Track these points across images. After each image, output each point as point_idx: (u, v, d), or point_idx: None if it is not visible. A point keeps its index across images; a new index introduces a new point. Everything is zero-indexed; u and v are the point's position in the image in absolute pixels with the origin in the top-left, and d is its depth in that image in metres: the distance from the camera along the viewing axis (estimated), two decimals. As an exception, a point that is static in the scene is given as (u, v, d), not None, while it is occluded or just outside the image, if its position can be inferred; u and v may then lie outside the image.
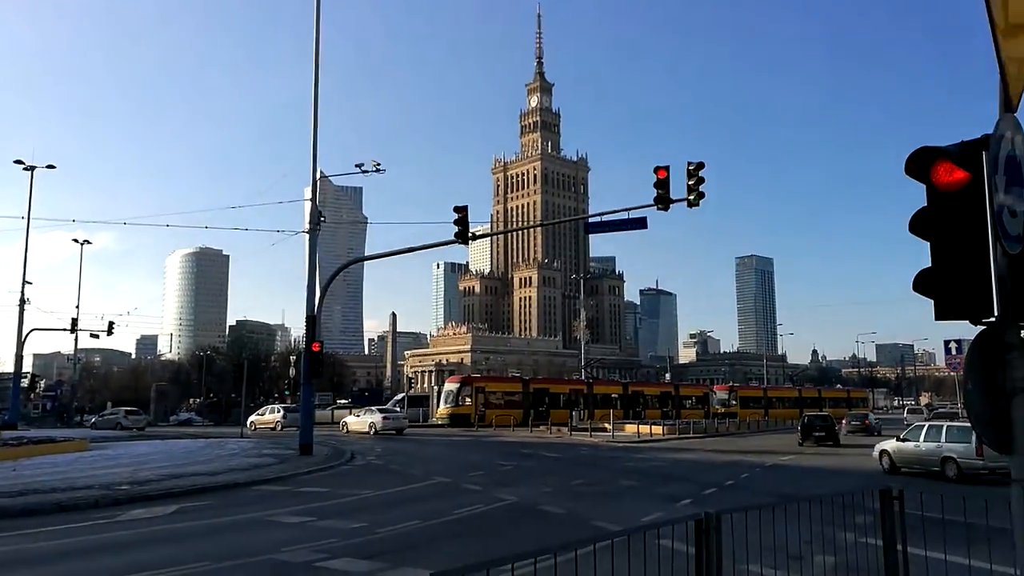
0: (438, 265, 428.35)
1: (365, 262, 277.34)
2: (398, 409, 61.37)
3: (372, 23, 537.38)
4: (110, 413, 71.84)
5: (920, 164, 4.95)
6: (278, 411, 61.05)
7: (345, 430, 53.82)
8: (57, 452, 33.20)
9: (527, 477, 23.64)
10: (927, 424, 26.67)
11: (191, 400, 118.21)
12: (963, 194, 4.79)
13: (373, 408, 59.00)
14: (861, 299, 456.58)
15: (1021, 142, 4.90)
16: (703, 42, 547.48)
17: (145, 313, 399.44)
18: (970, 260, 4.78)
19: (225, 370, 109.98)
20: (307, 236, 34.86)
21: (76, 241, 66.02)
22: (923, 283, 4.96)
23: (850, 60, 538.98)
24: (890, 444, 26.72)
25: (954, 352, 32.22)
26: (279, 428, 56.69)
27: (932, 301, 4.96)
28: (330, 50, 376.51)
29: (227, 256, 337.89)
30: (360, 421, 53.91)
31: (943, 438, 24.19)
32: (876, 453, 27.49)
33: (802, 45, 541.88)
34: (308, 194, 35.68)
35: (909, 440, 25.62)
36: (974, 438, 22.26)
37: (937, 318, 4.97)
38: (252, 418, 61.76)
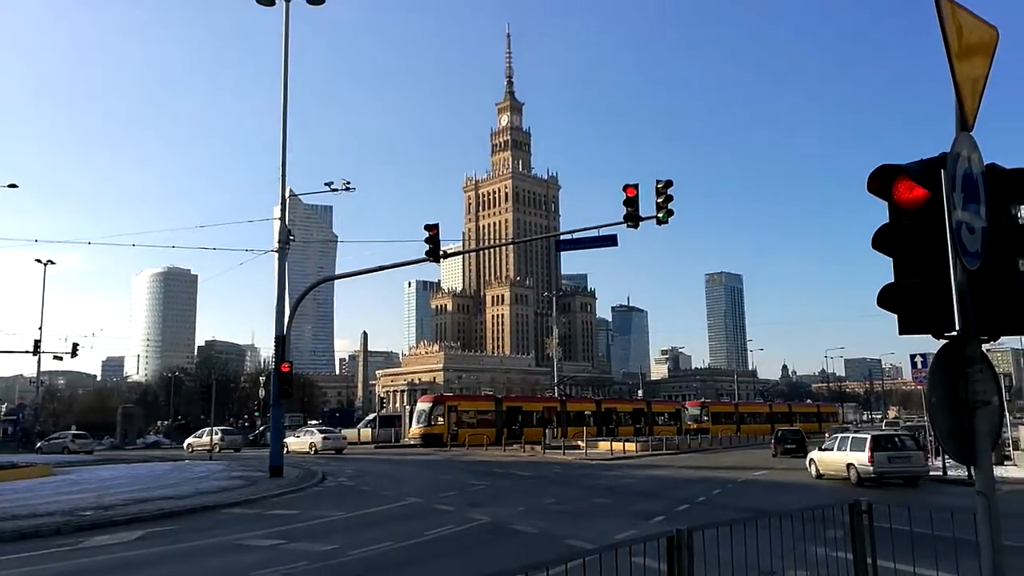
0: (409, 284, 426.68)
1: (336, 281, 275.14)
2: (338, 431, 63.28)
3: (342, 42, 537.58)
4: (56, 437, 69.97)
5: (882, 182, 5.07)
6: (216, 433, 63.09)
7: (285, 450, 53.89)
8: (18, 478, 32.35)
9: (500, 496, 23.53)
10: (839, 436, 30.73)
11: (159, 422, 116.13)
12: (923, 211, 4.91)
13: (312, 428, 62.06)
14: (829, 315, 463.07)
15: (977, 160, 5.03)
16: (674, 61, 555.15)
17: (111, 334, 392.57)
18: (931, 275, 4.88)
19: (194, 391, 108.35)
20: (276, 255, 34.59)
21: (39, 261, 64.82)
22: (886, 299, 5.06)
23: (817, 79, 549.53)
24: (815, 454, 30.56)
25: (919, 366, 32.66)
26: (217, 450, 57.91)
27: (896, 316, 5.07)
28: (299, 69, 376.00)
29: (195, 276, 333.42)
30: (300, 441, 55.33)
31: (848, 448, 28.06)
32: (807, 462, 31.32)
33: (771, 65, 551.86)
34: (277, 213, 35.39)
35: (827, 450, 29.62)
36: (867, 447, 26.70)
37: (901, 333, 5.07)
38: (189, 440, 64.48)
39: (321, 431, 58.25)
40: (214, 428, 63.53)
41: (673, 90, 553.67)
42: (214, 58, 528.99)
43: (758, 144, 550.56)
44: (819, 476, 29.23)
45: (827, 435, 33.18)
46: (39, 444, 69.02)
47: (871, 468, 26.23)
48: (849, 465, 27.37)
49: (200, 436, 63.81)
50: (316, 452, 52.71)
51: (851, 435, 30.07)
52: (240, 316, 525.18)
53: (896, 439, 28.12)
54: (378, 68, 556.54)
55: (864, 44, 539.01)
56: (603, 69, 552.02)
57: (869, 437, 27.90)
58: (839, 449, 28.68)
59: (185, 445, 65.34)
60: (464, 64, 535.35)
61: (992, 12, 5.47)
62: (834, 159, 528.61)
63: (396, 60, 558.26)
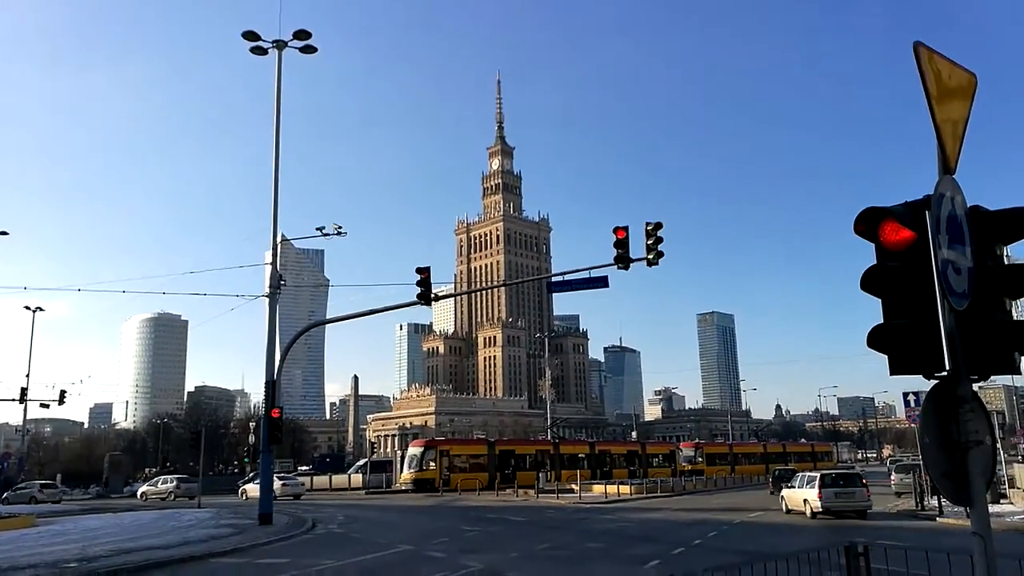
0: (401, 326, 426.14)
1: (327, 325, 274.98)
2: (295, 477, 65.36)
3: (333, 85, 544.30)
4: (23, 486, 67.57)
5: (868, 224, 5.13)
6: (171, 481, 63.79)
7: (244, 497, 56.95)
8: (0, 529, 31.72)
9: (493, 542, 23.18)
10: (800, 475, 34.53)
11: (147, 469, 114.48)
12: (910, 252, 4.97)
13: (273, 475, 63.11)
14: (822, 354, 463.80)
15: (961, 202, 5.11)
16: (663, 101, 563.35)
17: (100, 381, 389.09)
18: (920, 316, 4.92)
19: (183, 438, 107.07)
20: (267, 300, 34.49)
21: (28, 308, 64.36)
22: (876, 339, 5.09)
23: (805, 119, 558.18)
24: (785, 491, 34.68)
25: (912, 404, 32.72)
26: (172, 498, 58.40)
27: (887, 356, 5.09)
28: (291, 115, 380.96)
29: (185, 321, 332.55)
30: (254, 488, 56.19)
31: (805, 485, 32.04)
32: (779, 496, 35.35)
33: (760, 103, 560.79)
34: (268, 258, 35.42)
35: (791, 488, 33.74)
36: (817, 485, 30.53)
37: (892, 373, 5.09)
38: (143, 488, 64.91)
39: (280, 478, 59.42)
40: (170, 477, 63.75)
41: (662, 131, 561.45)
42: (207, 103, 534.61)
43: (749, 184, 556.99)
44: (788, 511, 32.91)
45: (797, 475, 35.89)
46: (5, 495, 65.54)
47: (819, 503, 30.08)
48: (805, 500, 31.26)
49: (155, 484, 64.27)
50: (275, 499, 53.59)
51: (807, 474, 33.69)
52: (230, 361, 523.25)
53: (841, 478, 31.52)
54: (370, 114, 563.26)
55: (851, 85, 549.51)
56: (591, 111, 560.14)
57: (818, 476, 31.54)
58: (799, 487, 32.71)
59: (139, 494, 65.01)
60: (455, 109, 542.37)
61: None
62: (824, 197, 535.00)
63: (387, 107, 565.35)
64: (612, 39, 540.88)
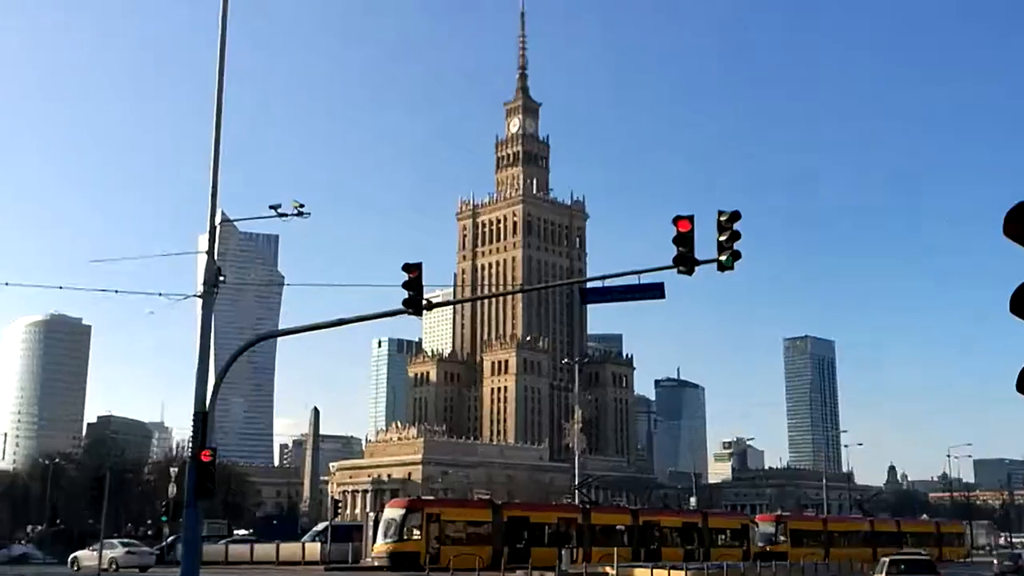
0: (380, 343, 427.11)
1: (279, 338, 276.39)
2: (143, 546, 68.02)
3: (297, 17, 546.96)
4: None
5: (1021, 222, 5.11)
6: (116, 546, 65.25)
7: (76, 567, 62.55)
8: None
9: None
10: (883, 560, 42.42)
11: (30, 527, 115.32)
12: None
13: (115, 541, 66.71)
14: (953, 400, 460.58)
15: None
16: (728, 61, 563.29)
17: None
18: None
19: (80, 484, 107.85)
20: (200, 302, 34.54)
21: None
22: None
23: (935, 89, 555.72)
24: None
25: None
26: (113, 568, 60.16)
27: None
28: (242, 58, 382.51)
29: (88, 327, 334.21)
30: (94, 556, 58.16)
31: (883, 572, 39.76)
32: None
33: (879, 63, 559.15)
34: (203, 244, 35.47)
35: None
36: (884, 570, 39.86)
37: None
38: (77, 553, 67.38)
39: (124, 543, 63.55)
40: (118, 539, 65.46)
41: (743, 93, 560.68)
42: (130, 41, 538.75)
43: (856, 177, 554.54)
44: None
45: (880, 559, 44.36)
46: None
47: None
48: None
49: (95, 549, 64.52)
50: (116, 568, 58.48)
51: (886, 559, 42.25)
52: (147, 384, 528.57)
53: (908, 563, 40.40)
54: (345, 57, 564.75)
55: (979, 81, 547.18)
56: (645, 60, 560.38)
57: (887, 561, 40.85)
58: (876, 573, 40.88)
59: (69, 561, 66.85)
60: (459, 49, 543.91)
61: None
62: (962, 199, 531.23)
63: (368, 45, 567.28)
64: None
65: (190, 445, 34.85)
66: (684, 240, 28.26)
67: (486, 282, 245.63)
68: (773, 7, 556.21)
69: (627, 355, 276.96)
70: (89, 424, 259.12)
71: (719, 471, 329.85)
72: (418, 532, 62.41)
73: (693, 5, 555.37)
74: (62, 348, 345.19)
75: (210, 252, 34.66)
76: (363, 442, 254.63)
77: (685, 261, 28.30)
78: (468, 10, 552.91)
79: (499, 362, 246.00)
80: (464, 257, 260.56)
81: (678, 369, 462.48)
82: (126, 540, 70.78)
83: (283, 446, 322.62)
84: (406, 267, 31.42)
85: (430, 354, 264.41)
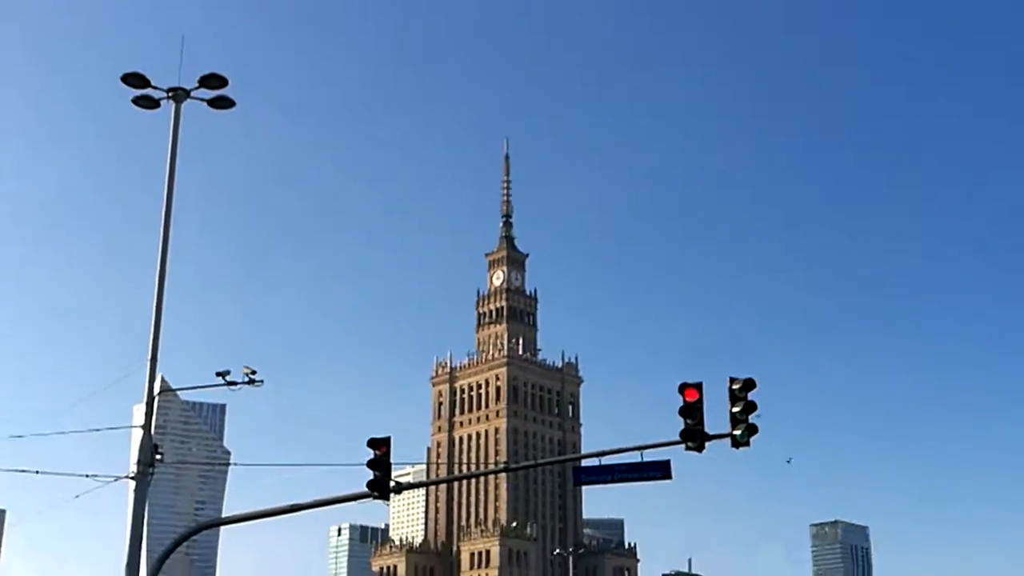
0: (339, 530, 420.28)
1: (223, 527, 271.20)
2: None
3: (256, 159, 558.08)
4: None
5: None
6: None
7: None
8: None
9: None
10: None
11: None
12: None
13: None
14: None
15: None
16: (740, 195, 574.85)
17: None
18: None
19: None
20: (133, 484, 34.04)
21: None
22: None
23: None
24: None
25: None
26: None
27: None
28: (190, 198, 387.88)
29: (2, 511, 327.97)
30: None
31: None
32: None
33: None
34: (139, 416, 35.21)
35: None
36: None
37: None
38: None
39: None
40: None
41: (739, 235, 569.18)
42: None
43: (877, 318, 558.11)
44: None
45: None
46: None
47: None
48: None
49: None
50: None
51: None
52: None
53: None
54: (307, 203, 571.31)
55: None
56: (636, 205, 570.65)
57: None
58: None
59: None
60: (440, 197, 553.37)
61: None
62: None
63: (335, 191, 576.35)
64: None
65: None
66: (692, 412, 28.30)
67: (464, 458, 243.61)
68: (771, 136, 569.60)
69: (630, 544, 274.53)
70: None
71: None
72: None
73: (685, 153, 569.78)
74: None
75: (146, 426, 34.41)
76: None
77: (694, 436, 28.25)
78: (451, 148, 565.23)
79: (479, 553, 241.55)
80: (439, 428, 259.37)
81: (689, 561, 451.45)
82: None
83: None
84: (372, 443, 31.22)
85: (398, 544, 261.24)
